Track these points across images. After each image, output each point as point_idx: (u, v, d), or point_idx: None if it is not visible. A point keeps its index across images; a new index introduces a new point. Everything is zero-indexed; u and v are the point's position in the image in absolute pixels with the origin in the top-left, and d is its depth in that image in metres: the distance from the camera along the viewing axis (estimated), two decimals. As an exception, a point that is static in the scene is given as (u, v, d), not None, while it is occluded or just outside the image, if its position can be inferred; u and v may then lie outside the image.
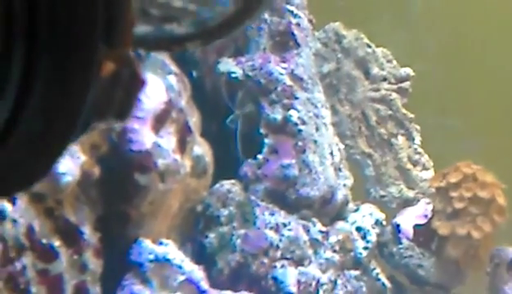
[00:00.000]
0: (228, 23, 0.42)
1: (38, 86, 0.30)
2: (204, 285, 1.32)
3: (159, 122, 1.32)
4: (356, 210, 1.93)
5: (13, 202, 1.12)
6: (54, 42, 0.30)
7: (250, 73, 1.70)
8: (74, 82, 0.30)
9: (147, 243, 1.32)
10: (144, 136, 1.29)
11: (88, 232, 1.22)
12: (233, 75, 1.70)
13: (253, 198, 1.64)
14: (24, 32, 0.29)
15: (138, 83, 0.35)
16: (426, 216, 1.96)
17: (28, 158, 0.31)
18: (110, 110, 0.34)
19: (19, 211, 1.12)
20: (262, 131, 1.69)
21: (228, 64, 1.71)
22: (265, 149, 1.69)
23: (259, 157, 1.68)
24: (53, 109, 0.30)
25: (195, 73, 1.73)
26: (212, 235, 1.58)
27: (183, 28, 0.45)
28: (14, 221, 1.11)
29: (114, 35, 0.32)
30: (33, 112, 0.30)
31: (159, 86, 1.34)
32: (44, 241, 1.14)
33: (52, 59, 0.30)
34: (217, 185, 1.62)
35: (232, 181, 1.65)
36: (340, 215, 1.88)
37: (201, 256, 1.56)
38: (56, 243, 1.16)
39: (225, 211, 1.59)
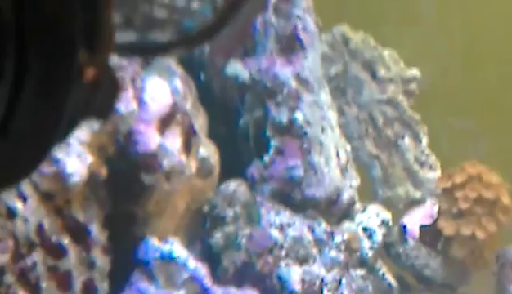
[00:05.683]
0: (208, 31, 0.45)
1: (26, 93, 0.34)
2: (208, 282, 1.36)
3: (165, 124, 1.36)
4: (363, 210, 1.95)
5: (24, 201, 1.17)
6: (38, 49, 0.33)
7: (256, 76, 1.73)
8: (57, 87, 0.34)
9: (153, 242, 1.36)
10: (149, 138, 1.32)
11: (96, 230, 1.26)
12: (240, 78, 1.73)
13: (258, 197, 1.67)
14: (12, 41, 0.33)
15: (116, 89, 0.39)
16: (432, 216, 1.97)
17: (19, 155, 0.35)
18: (91, 112, 0.38)
19: (29, 209, 1.17)
20: (268, 132, 1.72)
21: (235, 67, 1.74)
22: (271, 151, 1.72)
23: (265, 158, 1.71)
24: (40, 112, 0.35)
25: (202, 76, 1.76)
26: (218, 235, 1.61)
27: (166, 35, 0.49)
28: (24, 219, 1.15)
29: (95, 41, 0.36)
30: (23, 114, 0.34)
31: (165, 89, 1.38)
32: (53, 238, 1.19)
33: (37, 67, 0.34)
34: (224, 186, 1.66)
35: (238, 182, 1.68)
36: (347, 215, 1.90)
37: (208, 255, 1.59)
38: (65, 241, 1.20)
39: (230, 211, 1.62)
